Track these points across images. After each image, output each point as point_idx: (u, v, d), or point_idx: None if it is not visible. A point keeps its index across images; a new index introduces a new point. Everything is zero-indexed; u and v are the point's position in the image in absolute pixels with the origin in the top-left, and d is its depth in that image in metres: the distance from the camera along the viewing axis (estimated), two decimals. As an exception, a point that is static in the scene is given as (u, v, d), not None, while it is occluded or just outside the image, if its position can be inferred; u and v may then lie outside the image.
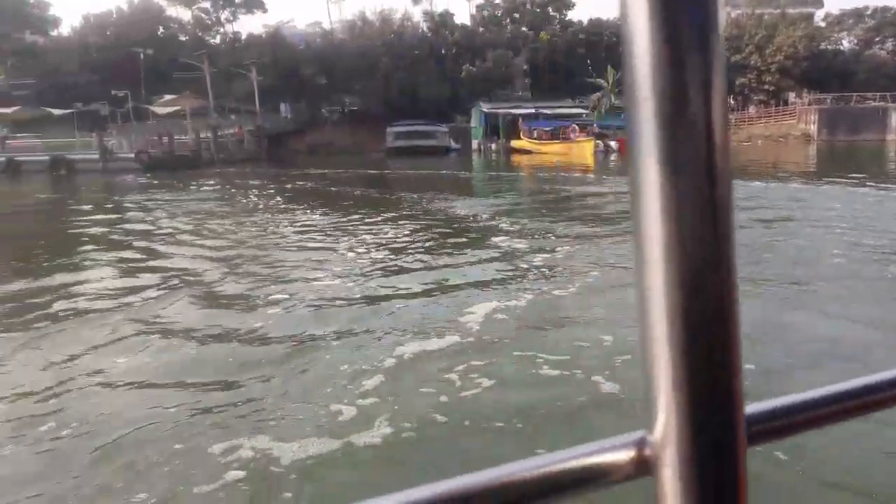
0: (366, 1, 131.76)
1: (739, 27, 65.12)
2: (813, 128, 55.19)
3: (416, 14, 64.15)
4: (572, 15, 64.80)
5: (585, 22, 63.82)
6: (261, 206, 16.97)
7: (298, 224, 12.98)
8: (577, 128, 43.12)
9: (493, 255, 8.87)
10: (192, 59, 50.75)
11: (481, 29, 64.01)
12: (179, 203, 18.92)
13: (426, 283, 6.96)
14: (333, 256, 8.88)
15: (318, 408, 3.96)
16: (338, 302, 6.25)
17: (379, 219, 13.21)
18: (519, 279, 6.97)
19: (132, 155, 34.76)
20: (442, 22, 61.64)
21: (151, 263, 9.00)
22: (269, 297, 6.53)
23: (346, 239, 10.61)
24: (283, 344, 5.07)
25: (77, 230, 13.28)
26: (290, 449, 3.51)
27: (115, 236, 12.33)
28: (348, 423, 3.81)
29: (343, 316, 5.78)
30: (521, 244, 9.69)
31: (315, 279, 7.20)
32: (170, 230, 12.97)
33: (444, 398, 4.09)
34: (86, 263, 9.07)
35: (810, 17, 76.29)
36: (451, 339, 5.04)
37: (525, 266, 7.95)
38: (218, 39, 63.12)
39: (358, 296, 6.51)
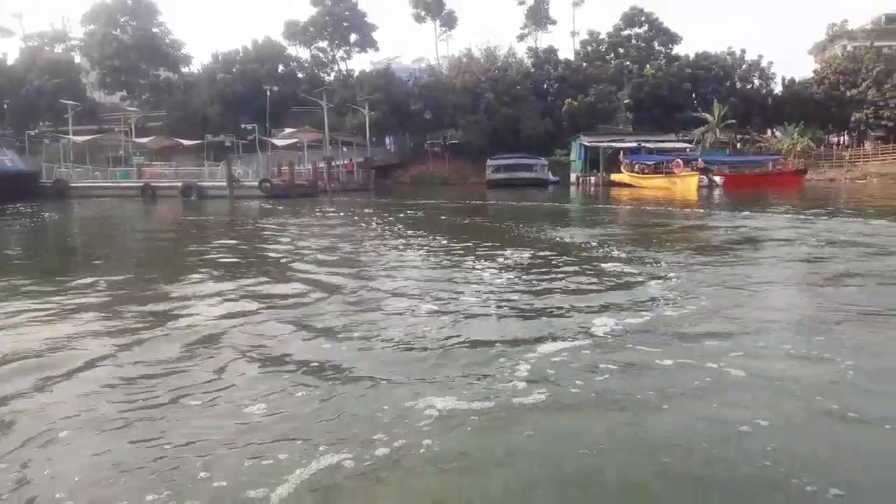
0: (472, 37, 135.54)
1: (856, 61, 63.01)
2: (939, 166, 52.43)
3: (521, 50, 65.86)
4: (679, 49, 64.72)
5: (692, 56, 63.49)
6: (383, 231, 18.38)
7: (416, 247, 14.19)
8: (681, 162, 42.94)
9: (607, 279, 9.63)
10: (311, 95, 54.21)
11: (584, 64, 64.86)
12: (309, 225, 20.86)
13: (543, 300, 7.82)
14: (458, 277, 9.89)
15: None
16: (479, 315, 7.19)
17: (489, 244, 14.20)
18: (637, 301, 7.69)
19: (255, 183, 37.72)
20: (546, 58, 62.89)
21: (298, 275, 10.35)
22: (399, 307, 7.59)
23: (467, 262, 11.65)
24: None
25: (228, 246, 15.05)
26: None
27: (265, 252, 13.98)
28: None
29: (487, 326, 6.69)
30: (631, 269, 10.41)
31: (449, 298, 8.20)
32: (306, 247, 14.56)
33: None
34: (248, 272, 10.49)
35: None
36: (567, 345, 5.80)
37: (640, 289, 8.67)
38: (332, 76, 66.93)
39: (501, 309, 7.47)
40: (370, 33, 66.27)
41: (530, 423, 4.12)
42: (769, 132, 63.59)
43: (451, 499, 3.35)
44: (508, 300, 7.87)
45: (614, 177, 49.02)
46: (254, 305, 7.71)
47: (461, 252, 13.13)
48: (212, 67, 64.54)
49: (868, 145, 61.27)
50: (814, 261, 11.36)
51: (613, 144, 51.20)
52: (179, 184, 39.04)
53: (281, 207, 30.05)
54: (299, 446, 3.84)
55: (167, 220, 26.24)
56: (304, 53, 67.28)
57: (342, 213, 26.45)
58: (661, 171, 44.24)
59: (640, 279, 9.52)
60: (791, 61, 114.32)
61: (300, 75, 65.14)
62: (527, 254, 12.37)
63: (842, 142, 66.43)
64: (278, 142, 47.59)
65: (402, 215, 24.11)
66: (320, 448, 3.77)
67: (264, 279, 9.76)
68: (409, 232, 17.87)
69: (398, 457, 3.71)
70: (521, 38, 66.70)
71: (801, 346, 5.67)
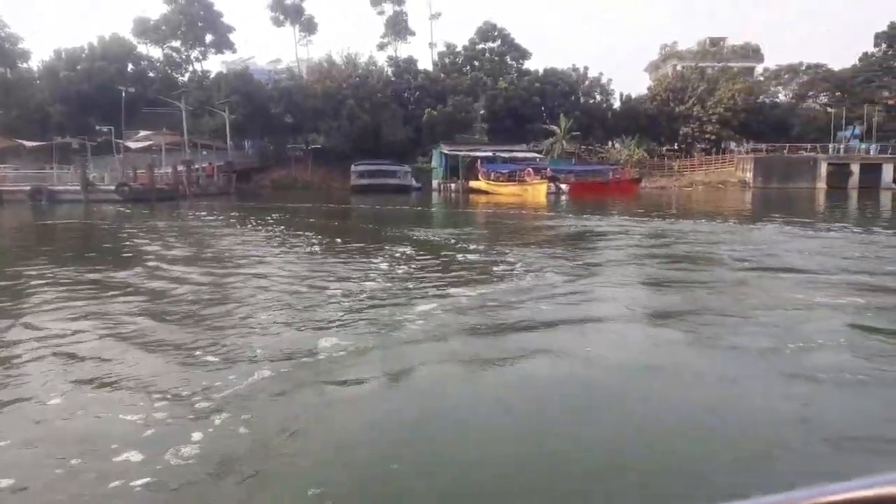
0: (332, 43, 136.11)
1: (684, 80, 69.90)
2: (749, 175, 59.53)
3: (381, 58, 67.27)
4: (529, 64, 68.82)
5: (541, 71, 67.76)
6: (247, 234, 19.14)
7: (269, 246, 15.32)
8: (531, 171, 46.13)
9: (457, 267, 11.39)
10: (168, 97, 52.53)
11: (443, 75, 67.38)
12: (172, 229, 21.00)
13: (390, 284, 9.28)
14: (329, 271, 11.14)
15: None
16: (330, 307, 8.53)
17: (359, 244, 15.56)
18: (476, 281, 9.40)
19: (112, 187, 36.38)
20: (406, 68, 64.72)
21: (155, 273, 11.16)
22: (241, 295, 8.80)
23: (324, 260, 12.94)
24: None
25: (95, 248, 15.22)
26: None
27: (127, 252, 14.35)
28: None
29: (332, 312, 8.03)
30: (484, 257, 12.27)
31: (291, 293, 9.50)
32: (166, 247, 15.14)
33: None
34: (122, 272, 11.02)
35: (751, 70, 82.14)
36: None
37: (480, 271, 10.49)
38: (187, 77, 64.95)
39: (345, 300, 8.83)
40: (227, 34, 65.01)
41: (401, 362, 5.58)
42: (610, 144, 69.06)
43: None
44: (372, 287, 9.30)
45: (473, 184, 51.60)
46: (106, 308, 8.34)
47: (331, 251, 14.42)
48: (54, 64, 60.62)
49: (696, 157, 68.14)
50: (631, 247, 14.68)
51: (472, 153, 53.81)
52: (28, 187, 36.73)
53: (145, 211, 29.52)
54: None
55: (14, 227, 25.06)
56: (155, 52, 64.83)
57: (206, 217, 26.59)
58: (514, 178, 47.25)
59: (490, 264, 11.62)
60: (632, 81, 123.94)
61: (151, 75, 62.65)
62: (393, 249, 13.87)
63: (673, 152, 73.29)
64: (133, 144, 45.89)
65: (267, 218, 24.76)
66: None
67: (126, 281, 10.40)
68: (277, 234, 18.80)
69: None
70: (382, 47, 68.24)
71: (612, 302, 8.19)
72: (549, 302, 8.29)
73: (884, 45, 68.23)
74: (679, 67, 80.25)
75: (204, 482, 3.73)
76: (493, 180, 49.41)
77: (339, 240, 16.75)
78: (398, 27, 67.04)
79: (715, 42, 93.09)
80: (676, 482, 3.87)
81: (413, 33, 68.13)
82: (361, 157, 57.04)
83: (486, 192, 49.12)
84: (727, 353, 6.26)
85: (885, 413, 4.80)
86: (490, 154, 53.09)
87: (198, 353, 6.10)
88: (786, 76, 73.55)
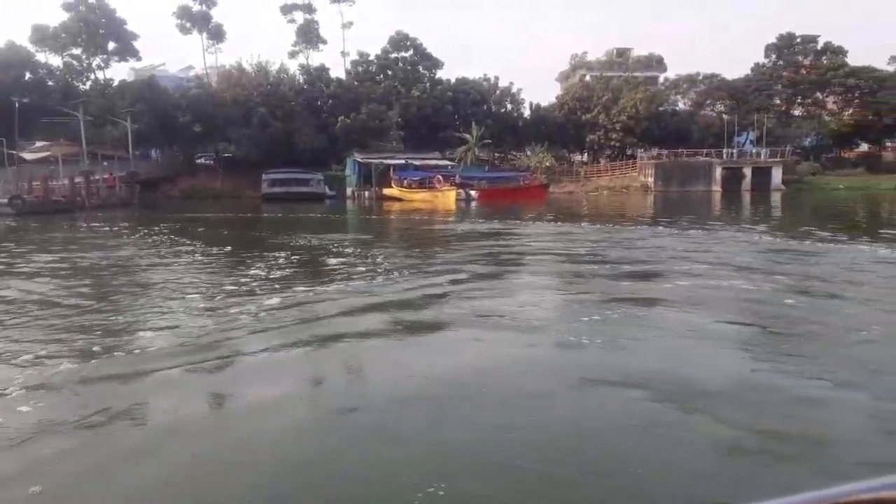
0: (242, 51, 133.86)
1: (589, 89, 72.47)
2: (650, 180, 62.25)
3: (293, 66, 66.86)
4: (441, 73, 69.87)
5: (453, 80, 68.91)
6: (130, 244, 19.03)
7: (166, 261, 15.37)
8: (441, 178, 46.98)
9: (319, 269, 11.89)
10: (67, 106, 50.63)
11: (357, 83, 67.58)
12: (60, 242, 20.56)
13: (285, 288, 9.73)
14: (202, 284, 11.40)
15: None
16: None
17: (256, 252, 15.80)
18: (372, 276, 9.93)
19: (5, 200, 34.90)
20: (318, 76, 64.61)
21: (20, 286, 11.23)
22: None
23: (220, 270, 13.16)
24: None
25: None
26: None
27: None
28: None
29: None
30: (343, 259, 12.77)
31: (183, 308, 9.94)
32: (26, 261, 15.03)
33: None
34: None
35: (655, 80, 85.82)
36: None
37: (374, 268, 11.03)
38: (88, 86, 62.79)
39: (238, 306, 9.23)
40: (131, 42, 63.10)
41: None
42: (522, 151, 70.81)
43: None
44: (273, 283, 9.71)
45: (386, 191, 52.06)
46: None
47: (211, 257, 14.70)
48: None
49: (602, 163, 70.72)
50: (524, 245, 15.74)
51: (384, 161, 54.23)
52: None
53: (35, 225, 28.55)
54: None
55: None
56: (55, 61, 62.35)
57: (101, 228, 26.05)
58: (425, 186, 47.99)
59: (351, 265, 12.32)
60: (546, 91, 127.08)
61: (51, 83, 60.23)
62: (290, 255, 14.25)
63: (582, 160, 75.77)
64: (28, 155, 44.09)
65: (158, 228, 24.55)
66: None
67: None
68: (162, 243, 18.79)
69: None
70: (293, 55, 67.82)
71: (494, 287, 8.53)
72: (379, 298, 9.12)
73: (773, 56, 72.71)
74: (587, 77, 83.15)
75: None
76: (406, 188, 50.03)
77: (225, 248, 17.01)
78: (310, 35, 66.79)
79: (621, 53, 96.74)
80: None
81: (325, 42, 68.08)
82: (274, 165, 56.51)
83: (398, 200, 49.67)
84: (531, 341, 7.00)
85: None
86: (402, 162, 53.67)
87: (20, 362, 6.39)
88: (684, 86, 77.20)
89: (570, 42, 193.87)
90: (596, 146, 70.98)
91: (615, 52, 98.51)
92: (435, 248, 16.79)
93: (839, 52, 70.06)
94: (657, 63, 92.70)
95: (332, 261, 13.58)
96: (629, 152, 69.80)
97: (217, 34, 66.58)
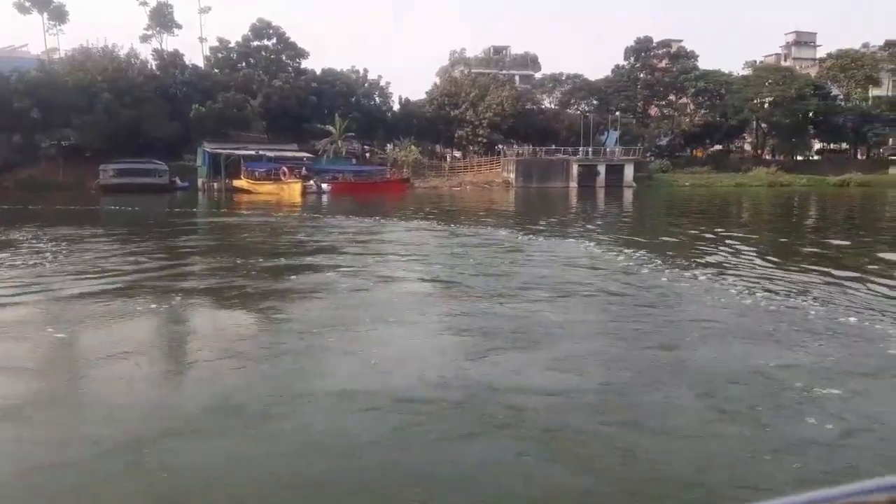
0: (89, 33, 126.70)
1: (457, 85, 72.88)
2: (512, 176, 63.34)
3: (146, 51, 63.32)
4: (307, 63, 68.17)
5: (319, 71, 67.40)
6: None
7: None
8: (286, 170, 45.84)
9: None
10: None
11: (216, 71, 64.85)
12: None
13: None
14: None
15: None
16: None
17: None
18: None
19: None
20: (171, 61, 61.51)
21: None
22: None
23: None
24: None
25: None
26: None
27: None
28: None
29: None
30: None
31: None
32: None
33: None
34: None
35: (530, 78, 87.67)
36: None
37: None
38: None
39: None
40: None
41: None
42: (391, 145, 70.26)
43: None
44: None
45: (236, 183, 50.23)
46: None
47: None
48: None
49: (467, 158, 71.30)
50: (355, 235, 14.98)
51: (235, 152, 52.24)
52: None
53: None
54: None
55: None
56: None
57: None
58: (270, 178, 46.67)
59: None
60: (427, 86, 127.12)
61: None
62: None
63: (455, 155, 76.17)
64: None
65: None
66: None
67: None
68: None
69: None
70: (145, 39, 64.04)
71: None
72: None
73: (632, 59, 75.64)
74: (468, 72, 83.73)
75: None
76: (254, 179, 48.48)
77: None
78: (164, 19, 63.37)
79: (498, 50, 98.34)
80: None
81: (180, 26, 64.73)
82: (124, 154, 53.42)
83: (248, 192, 48.09)
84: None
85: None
86: (253, 152, 51.85)
87: None
88: (550, 85, 79.14)
89: (454, 38, 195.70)
90: (465, 142, 71.46)
91: (492, 49, 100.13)
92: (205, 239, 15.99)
93: (691, 56, 73.78)
94: (532, 62, 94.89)
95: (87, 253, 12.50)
96: (500, 148, 70.82)
97: (58, 15, 61.94)
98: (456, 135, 70.93)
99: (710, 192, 53.05)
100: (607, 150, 66.10)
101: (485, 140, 69.80)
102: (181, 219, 25.09)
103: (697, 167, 68.86)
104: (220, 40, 65.75)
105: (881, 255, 14.88)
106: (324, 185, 46.19)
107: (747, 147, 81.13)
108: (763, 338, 7.63)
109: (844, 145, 76.90)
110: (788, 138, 70.83)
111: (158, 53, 62.68)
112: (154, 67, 61.27)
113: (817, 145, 77.69)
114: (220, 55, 65.86)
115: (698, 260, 13.89)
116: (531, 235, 18.41)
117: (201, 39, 67.18)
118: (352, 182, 49.52)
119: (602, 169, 62.80)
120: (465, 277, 11.26)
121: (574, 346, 7.17)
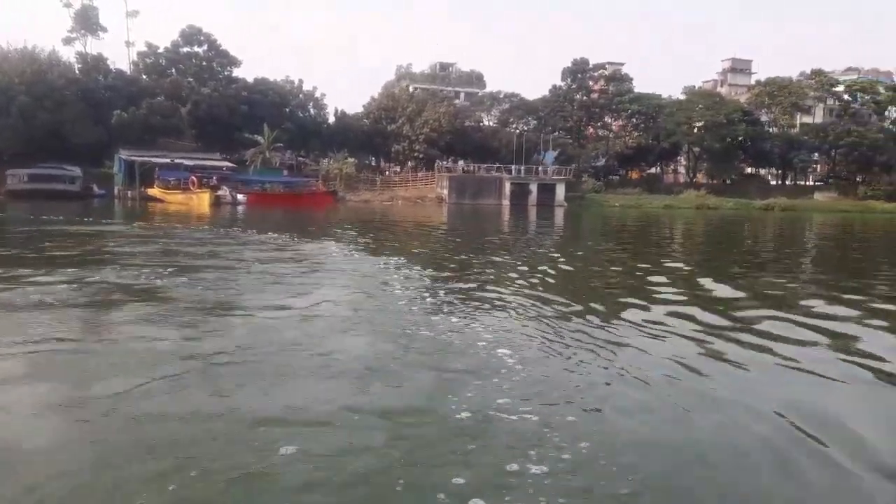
0: (6, 34, 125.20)
1: (394, 100, 72.44)
2: (445, 192, 62.86)
3: (68, 54, 61.38)
4: (240, 72, 66.94)
5: (251, 80, 66.19)
6: None
7: None
8: (195, 180, 44.64)
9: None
10: None
11: (144, 77, 63.21)
12: None
13: None
14: None
15: None
16: None
17: None
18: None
19: None
20: (95, 65, 59.70)
21: None
22: None
23: None
24: None
25: None
26: None
27: None
28: None
29: None
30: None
31: None
32: None
33: None
34: None
35: (475, 95, 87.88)
36: None
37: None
38: None
39: None
40: None
41: None
42: (326, 158, 69.27)
43: None
44: None
45: (150, 191, 48.73)
46: None
47: None
48: None
49: (401, 173, 70.75)
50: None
51: (150, 160, 50.74)
52: None
53: None
54: None
55: None
56: None
57: None
58: (180, 187, 45.41)
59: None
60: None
61: None
62: None
63: (392, 169, 75.50)
64: None
65: None
66: None
67: None
68: None
69: None
70: (69, 41, 62.15)
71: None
72: None
73: (569, 80, 76.23)
74: (412, 88, 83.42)
75: None
76: (166, 188, 47.09)
77: None
78: (88, 21, 61.62)
79: (445, 66, 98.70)
80: None
81: (105, 29, 63.03)
82: (43, 159, 51.48)
83: (160, 201, 46.67)
84: None
85: None
86: (168, 161, 50.39)
87: None
88: (488, 103, 79.27)
89: (401, 52, 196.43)
90: (402, 156, 70.93)
91: (438, 65, 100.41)
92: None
93: (626, 79, 74.76)
94: (477, 80, 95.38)
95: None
96: (440, 164, 70.38)
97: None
98: (393, 149, 70.38)
99: (640, 213, 53.29)
100: (543, 169, 66.22)
101: (421, 155, 69.29)
102: (51, 226, 23.68)
103: (630, 188, 69.46)
104: (149, 45, 64.18)
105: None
106: (239, 196, 44.99)
107: (682, 170, 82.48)
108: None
109: (774, 170, 78.72)
110: (719, 162, 72.09)
111: (82, 56, 60.82)
112: (77, 71, 59.37)
113: (748, 170, 79.30)
114: (148, 60, 64.23)
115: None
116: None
117: (128, 43, 65.40)
118: (270, 193, 48.43)
119: (534, 188, 62.82)
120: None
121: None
